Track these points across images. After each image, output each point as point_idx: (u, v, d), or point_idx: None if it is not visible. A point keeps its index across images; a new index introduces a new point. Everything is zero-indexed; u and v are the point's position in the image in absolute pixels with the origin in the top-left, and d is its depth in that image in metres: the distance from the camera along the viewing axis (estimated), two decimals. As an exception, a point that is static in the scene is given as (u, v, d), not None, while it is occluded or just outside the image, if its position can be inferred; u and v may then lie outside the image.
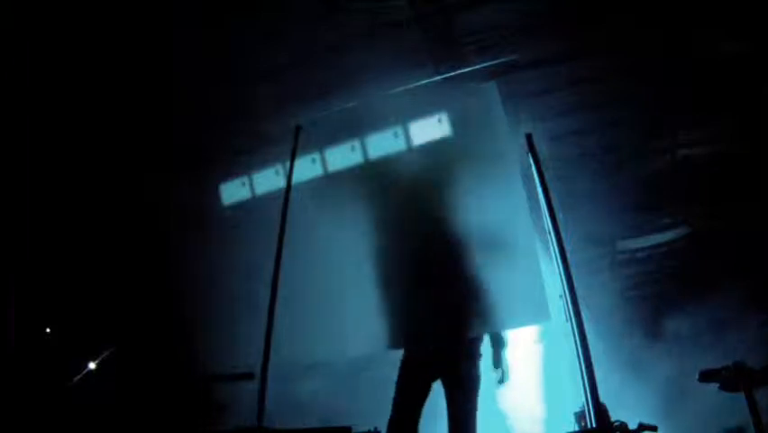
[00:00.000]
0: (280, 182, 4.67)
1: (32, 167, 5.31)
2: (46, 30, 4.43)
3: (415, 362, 4.01)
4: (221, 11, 4.53)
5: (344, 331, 4.47)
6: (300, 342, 4.58)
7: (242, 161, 4.94)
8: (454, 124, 4.33)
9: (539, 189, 3.41)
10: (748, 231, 4.31)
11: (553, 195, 3.31)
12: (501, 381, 3.91)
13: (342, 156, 4.62)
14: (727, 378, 3.08)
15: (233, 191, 4.99)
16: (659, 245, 4.50)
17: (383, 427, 3.85)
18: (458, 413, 3.81)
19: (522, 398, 4.60)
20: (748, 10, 4.07)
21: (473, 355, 3.96)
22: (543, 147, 3.57)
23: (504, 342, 3.98)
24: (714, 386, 3.19)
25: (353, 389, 4.61)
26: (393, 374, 4.01)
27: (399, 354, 4.09)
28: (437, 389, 3.95)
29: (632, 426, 2.74)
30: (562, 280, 3.16)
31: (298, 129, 4.07)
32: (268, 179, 4.84)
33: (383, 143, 4.52)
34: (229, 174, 5.00)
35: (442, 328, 4.05)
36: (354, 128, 4.59)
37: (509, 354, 4.16)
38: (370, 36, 4.57)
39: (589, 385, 2.74)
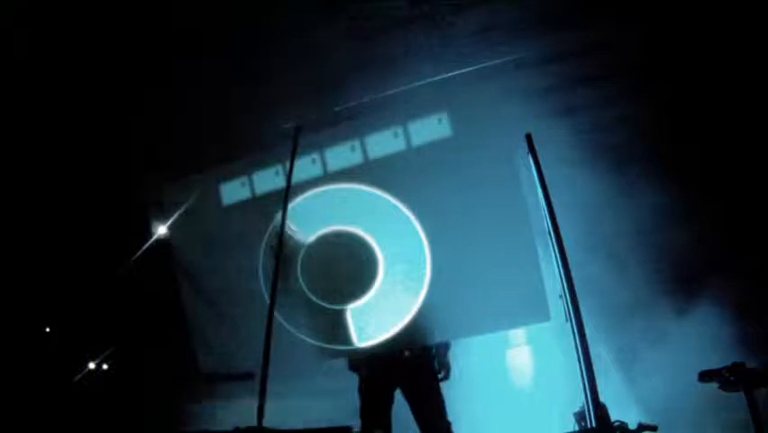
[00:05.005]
0: (280, 182, 4.68)
1: (31, 165, 5.33)
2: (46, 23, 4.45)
3: (373, 375, 4.09)
4: (220, 10, 4.54)
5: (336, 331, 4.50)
6: (302, 342, 4.60)
7: (241, 161, 4.94)
8: (454, 123, 4.34)
9: (539, 189, 3.41)
10: (749, 232, 4.31)
11: (552, 195, 3.31)
12: (443, 379, 4.08)
13: (342, 156, 4.62)
14: (727, 378, 3.09)
15: (233, 191, 4.99)
16: (659, 245, 4.51)
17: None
18: (428, 417, 3.87)
19: (517, 399, 4.62)
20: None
21: (431, 359, 4.07)
22: (543, 147, 3.56)
23: (449, 344, 4.16)
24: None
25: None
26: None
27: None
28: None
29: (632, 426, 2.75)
30: (561, 280, 3.16)
31: (298, 129, 4.08)
32: (268, 179, 4.85)
33: (383, 143, 4.52)
34: (229, 174, 5.00)
35: (443, 329, 4.06)
36: (354, 128, 4.60)
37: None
38: (371, 36, 4.57)
39: (589, 385, 2.74)
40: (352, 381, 4.20)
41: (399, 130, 4.46)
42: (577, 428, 3.10)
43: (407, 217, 4.37)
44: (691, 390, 3.34)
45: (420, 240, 4.32)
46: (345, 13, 4.53)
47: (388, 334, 4.30)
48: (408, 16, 4.55)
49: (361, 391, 4.12)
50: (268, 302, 3.59)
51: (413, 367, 4.05)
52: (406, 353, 4.07)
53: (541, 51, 4.48)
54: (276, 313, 3.51)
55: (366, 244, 4.46)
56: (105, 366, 5.50)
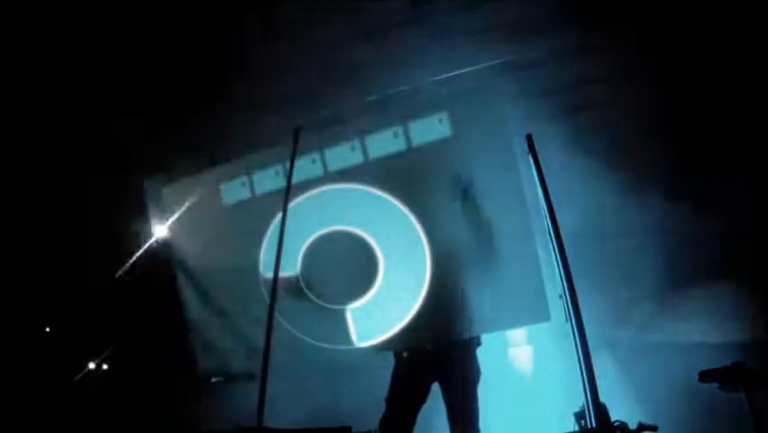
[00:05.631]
0: (280, 182, 4.68)
1: (32, 166, 5.33)
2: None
3: (414, 362, 4.01)
4: (220, 9, 4.55)
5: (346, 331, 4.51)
6: (302, 342, 4.60)
7: (242, 162, 4.94)
8: (454, 123, 4.33)
9: (539, 189, 3.42)
10: (750, 232, 4.32)
11: (552, 195, 3.31)
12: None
13: (342, 156, 4.63)
14: (727, 378, 3.09)
15: (233, 191, 4.99)
16: (659, 244, 4.51)
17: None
18: (461, 412, 3.82)
19: (517, 399, 4.62)
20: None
21: (472, 353, 3.98)
22: (543, 147, 3.57)
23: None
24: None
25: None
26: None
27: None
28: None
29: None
30: (561, 280, 3.16)
31: (298, 129, 4.08)
32: (268, 179, 4.85)
33: (383, 143, 4.52)
34: (229, 174, 5.00)
35: (443, 329, 4.06)
36: (354, 128, 4.60)
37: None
38: (370, 36, 4.57)
39: (589, 385, 2.74)
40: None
41: (399, 130, 4.45)
42: (577, 428, 3.10)
43: (407, 217, 4.37)
44: (691, 390, 3.34)
45: (420, 240, 4.32)
46: (345, 13, 4.53)
47: (387, 334, 4.30)
48: (408, 16, 4.56)
49: (395, 376, 3.99)
50: (268, 302, 3.59)
51: (455, 362, 3.90)
52: (453, 345, 3.99)
53: (541, 51, 4.48)
54: (276, 313, 3.52)
55: (366, 244, 4.46)
56: (105, 366, 5.50)
